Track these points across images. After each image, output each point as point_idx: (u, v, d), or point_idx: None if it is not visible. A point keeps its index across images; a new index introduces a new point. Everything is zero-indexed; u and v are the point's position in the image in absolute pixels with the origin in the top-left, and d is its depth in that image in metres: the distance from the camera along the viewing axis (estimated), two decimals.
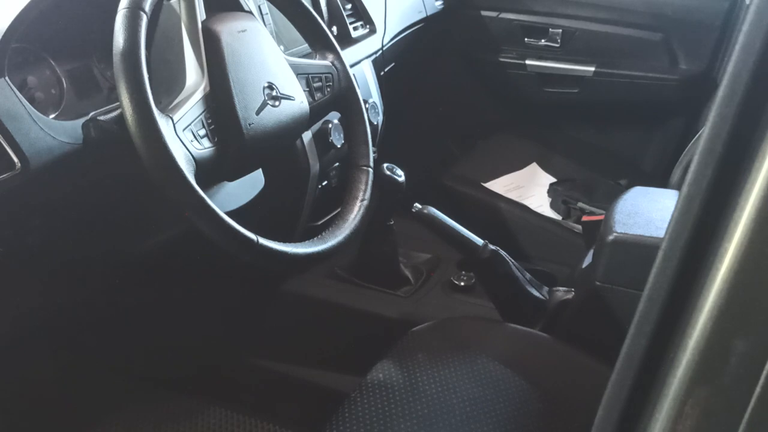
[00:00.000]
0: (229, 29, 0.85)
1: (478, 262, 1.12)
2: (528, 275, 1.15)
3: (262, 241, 0.78)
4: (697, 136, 1.39)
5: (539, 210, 1.65)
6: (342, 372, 1.27)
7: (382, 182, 1.21)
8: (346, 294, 1.35)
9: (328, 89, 1.02)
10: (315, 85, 1.00)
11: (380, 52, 1.56)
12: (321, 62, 1.03)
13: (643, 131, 1.97)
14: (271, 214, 1.13)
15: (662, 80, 1.82)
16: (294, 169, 1.16)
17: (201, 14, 0.84)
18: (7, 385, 1.11)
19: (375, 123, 1.35)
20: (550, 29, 1.89)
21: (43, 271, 0.92)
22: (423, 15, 1.82)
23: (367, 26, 1.54)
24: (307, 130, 1.07)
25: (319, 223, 1.30)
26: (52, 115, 0.86)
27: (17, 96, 0.76)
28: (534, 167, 1.84)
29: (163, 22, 0.83)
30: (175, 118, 0.75)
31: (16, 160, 0.74)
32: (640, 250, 0.94)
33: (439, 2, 1.91)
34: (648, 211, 1.03)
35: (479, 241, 1.11)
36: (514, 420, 0.83)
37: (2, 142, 0.73)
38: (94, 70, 0.95)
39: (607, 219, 1.03)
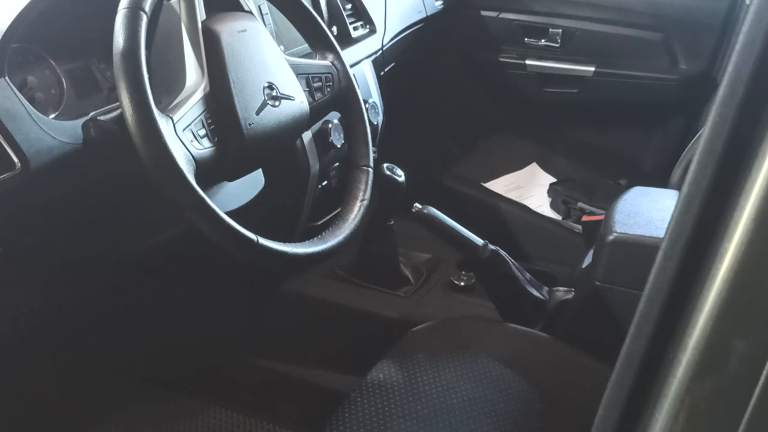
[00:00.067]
0: (229, 29, 0.85)
1: (478, 262, 1.12)
2: (528, 275, 1.15)
3: (262, 241, 0.78)
4: (697, 136, 1.39)
5: (539, 210, 1.65)
6: (342, 372, 1.27)
7: (382, 182, 1.21)
8: (346, 294, 1.35)
9: (328, 89, 1.02)
10: (315, 85, 1.00)
11: (380, 52, 1.56)
12: (321, 62, 1.03)
13: (643, 131, 1.97)
14: (271, 214, 1.13)
15: (662, 80, 1.82)
16: (294, 169, 1.16)
17: (201, 14, 0.84)
18: (7, 385, 1.11)
19: (375, 123, 1.35)
20: (550, 29, 1.89)
21: (43, 271, 0.92)
22: (423, 15, 1.82)
23: (367, 26, 1.54)
24: (307, 130, 1.07)
25: (319, 223, 1.30)
26: (52, 115, 0.86)
27: (17, 96, 0.76)
28: (534, 167, 1.84)
29: (163, 22, 0.83)
30: (175, 118, 0.75)
31: (16, 160, 0.74)
32: (640, 250, 0.94)
33: (439, 2, 1.91)
34: (648, 211, 1.03)
35: (479, 241, 1.11)
36: (514, 420, 0.83)
37: (2, 142, 0.73)
38: (94, 70, 0.95)
39: (607, 219, 1.03)
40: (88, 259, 0.94)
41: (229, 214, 0.76)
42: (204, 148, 0.79)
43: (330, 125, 1.18)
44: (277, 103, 0.89)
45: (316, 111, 1.00)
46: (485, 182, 1.76)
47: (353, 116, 1.07)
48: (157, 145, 0.70)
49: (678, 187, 1.31)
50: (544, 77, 1.95)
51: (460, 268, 1.39)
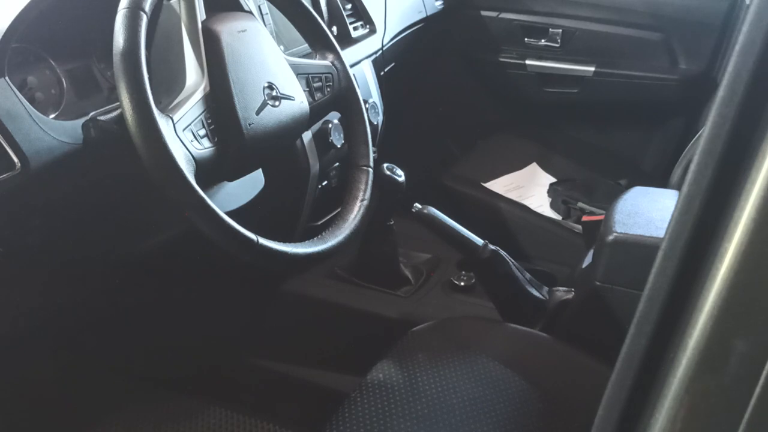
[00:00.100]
0: (229, 29, 0.85)
1: (478, 262, 1.12)
2: (528, 275, 1.15)
3: (262, 241, 0.78)
4: (697, 136, 1.39)
5: (539, 210, 1.65)
6: (342, 372, 1.27)
7: (382, 182, 1.21)
8: (346, 294, 1.34)
9: (328, 89, 1.02)
10: (315, 85, 1.00)
11: (380, 52, 1.56)
12: (321, 62, 1.03)
13: (643, 131, 1.97)
14: (271, 214, 1.13)
15: (662, 80, 1.82)
16: (294, 169, 1.16)
17: (201, 14, 0.84)
18: (7, 385, 1.11)
19: (375, 123, 1.35)
20: (550, 29, 1.89)
21: (43, 271, 0.92)
22: (423, 15, 1.82)
23: (367, 26, 1.54)
24: (307, 130, 1.07)
25: (319, 223, 1.30)
26: (52, 115, 0.86)
27: (17, 96, 0.76)
28: (534, 167, 1.84)
29: (163, 22, 0.83)
30: (175, 118, 0.75)
31: (16, 160, 0.74)
32: (640, 250, 0.94)
33: (439, 2, 1.91)
34: (648, 211, 1.03)
35: (479, 241, 1.11)
36: (514, 420, 0.83)
37: (2, 142, 0.73)
38: (94, 70, 0.95)
39: (607, 219, 1.03)
40: (88, 259, 0.94)
41: (229, 214, 0.76)
42: (204, 148, 0.79)
43: (330, 125, 1.18)
44: (277, 103, 0.89)
45: (316, 111, 1.00)
46: (485, 182, 1.76)
47: (353, 116, 1.07)
48: (157, 145, 0.70)
49: (678, 187, 1.31)
50: (544, 77, 1.95)
51: (460, 268, 1.39)
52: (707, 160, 0.36)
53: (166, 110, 0.76)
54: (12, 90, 0.75)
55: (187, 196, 0.72)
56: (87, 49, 0.94)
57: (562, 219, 1.63)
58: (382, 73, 1.57)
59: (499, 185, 1.75)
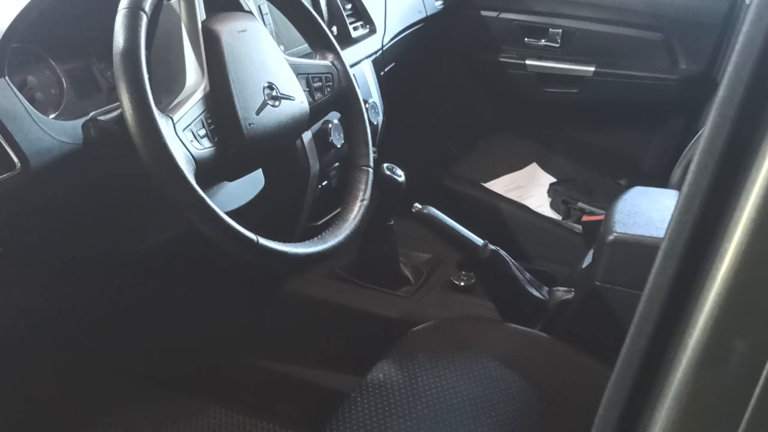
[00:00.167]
0: (229, 29, 0.85)
1: (478, 262, 1.12)
2: (528, 275, 1.15)
3: (262, 241, 0.78)
4: (697, 136, 1.39)
5: (539, 210, 1.65)
6: (342, 372, 1.27)
7: (382, 182, 1.21)
8: (346, 294, 1.34)
9: (328, 89, 1.02)
10: (315, 85, 1.00)
11: (380, 52, 1.56)
12: (321, 62, 1.03)
13: (643, 131, 1.97)
14: (271, 214, 1.13)
15: (662, 80, 1.82)
16: (294, 169, 1.16)
17: (201, 14, 0.84)
18: (7, 385, 1.11)
19: (375, 123, 1.35)
20: (550, 29, 1.89)
21: (43, 271, 0.92)
22: (423, 15, 1.82)
23: (367, 26, 1.54)
24: (307, 130, 1.07)
25: (319, 223, 1.30)
26: (52, 115, 0.86)
27: (17, 96, 0.76)
28: (534, 167, 1.84)
29: (163, 22, 0.83)
30: (175, 118, 0.75)
31: (16, 160, 0.74)
32: (640, 250, 0.94)
33: (439, 2, 1.91)
34: (648, 211, 1.03)
35: (479, 241, 1.11)
36: (514, 420, 0.83)
37: (2, 142, 0.73)
38: (94, 70, 0.95)
39: (607, 219, 1.03)
40: (88, 259, 0.94)
41: (229, 214, 0.76)
42: (204, 148, 0.79)
43: (330, 125, 1.18)
44: (277, 103, 0.89)
45: (316, 111, 1.00)
46: (485, 182, 1.76)
47: (353, 116, 1.07)
48: (157, 145, 0.70)
49: (678, 187, 1.31)
50: (544, 77, 1.95)
51: (460, 268, 1.39)
52: (707, 160, 0.36)
53: (166, 110, 0.76)
54: (12, 90, 0.75)
55: (187, 196, 0.72)
56: (87, 49, 0.94)
57: (562, 219, 1.63)
58: (382, 73, 1.57)
59: (499, 185, 1.75)
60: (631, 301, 0.50)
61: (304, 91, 0.96)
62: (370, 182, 1.03)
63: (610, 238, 0.97)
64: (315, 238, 0.91)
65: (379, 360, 0.93)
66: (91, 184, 0.84)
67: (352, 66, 1.18)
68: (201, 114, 0.79)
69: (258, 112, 0.85)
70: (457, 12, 1.98)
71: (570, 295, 1.11)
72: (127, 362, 1.32)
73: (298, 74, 0.96)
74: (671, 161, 1.48)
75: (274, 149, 0.95)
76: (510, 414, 0.83)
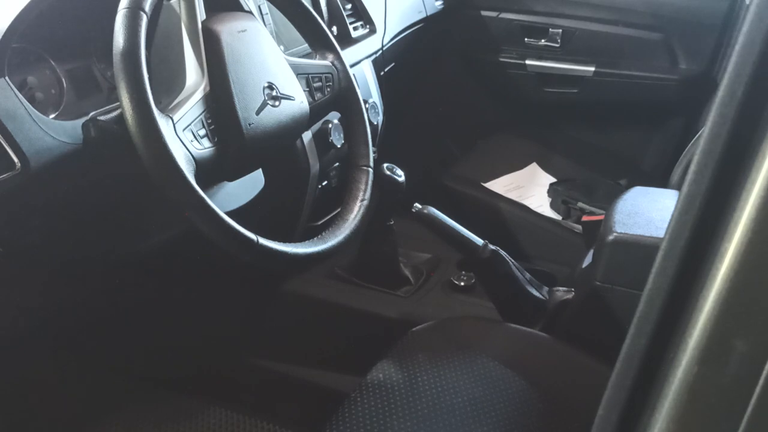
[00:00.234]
0: (229, 29, 0.85)
1: (478, 262, 1.12)
2: (528, 275, 1.15)
3: (262, 241, 0.78)
4: (697, 136, 1.39)
5: (539, 210, 1.65)
6: (342, 372, 1.27)
7: (382, 182, 1.21)
8: (346, 294, 1.34)
9: (328, 89, 1.02)
10: (315, 85, 1.00)
11: (380, 52, 1.56)
12: (321, 62, 1.03)
13: (643, 131, 1.97)
14: (271, 214, 1.13)
15: (662, 80, 1.82)
16: (294, 169, 1.16)
17: (201, 14, 0.84)
18: (7, 385, 1.11)
19: (375, 123, 1.35)
20: (550, 29, 1.89)
21: (43, 271, 0.92)
22: (423, 15, 1.82)
23: (367, 26, 1.54)
24: (307, 130, 1.07)
25: (319, 223, 1.30)
26: (52, 115, 0.86)
27: (17, 96, 0.76)
28: (534, 167, 1.84)
29: (163, 22, 0.83)
30: (175, 118, 0.75)
31: (16, 160, 0.74)
32: (640, 250, 0.94)
33: (439, 2, 1.91)
34: (648, 211, 1.03)
35: (479, 241, 1.11)
36: (514, 420, 0.83)
37: (2, 142, 0.73)
38: (94, 70, 0.95)
39: (607, 219, 1.03)
40: (88, 259, 0.94)
41: (229, 214, 0.76)
42: (204, 148, 0.79)
43: (330, 125, 1.18)
44: (277, 103, 0.89)
45: (316, 111, 1.00)
46: (485, 182, 1.76)
47: (353, 116, 1.07)
48: (157, 145, 0.70)
49: (678, 187, 1.31)
50: (544, 77, 1.95)
51: (460, 268, 1.39)
52: (707, 160, 0.36)
53: (166, 110, 0.76)
54: (12, 90, 0.75)
55: (187, 196, 0.72)
56: (87, 49, 0.94)
57: (562, 219, 1.63)
58: (382, 73, 1.57)
59: (499, 185, 1.75)
60: (631, 301, 0.50)
61: (304, 91, 0.96)
62: (370, 182, 1.03)
63: (610, 238, 0.97)
64: (315, 238, 0.91)
65: (379, 360, 0.93)
66: (91, 184, 0.84)
67: (352, 66, 1.18)
68: (201, 114, 0.80)
69: (258, 112, 0.85)
70: (457, 12, 1.98)
71: (570, 295, 1.11)
72: (127, 362, 1.32)
73: (298, 74, 0.96)
74: (671, 161, 1.48)
75: (274, 149, 0.95)
76: (510, 414, 0.83)
